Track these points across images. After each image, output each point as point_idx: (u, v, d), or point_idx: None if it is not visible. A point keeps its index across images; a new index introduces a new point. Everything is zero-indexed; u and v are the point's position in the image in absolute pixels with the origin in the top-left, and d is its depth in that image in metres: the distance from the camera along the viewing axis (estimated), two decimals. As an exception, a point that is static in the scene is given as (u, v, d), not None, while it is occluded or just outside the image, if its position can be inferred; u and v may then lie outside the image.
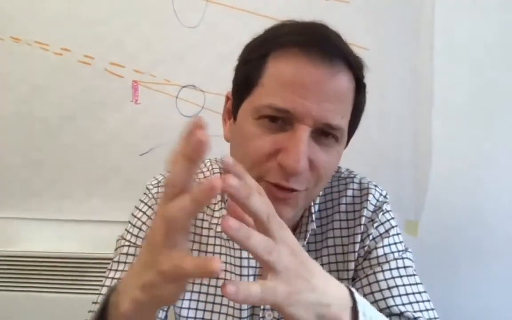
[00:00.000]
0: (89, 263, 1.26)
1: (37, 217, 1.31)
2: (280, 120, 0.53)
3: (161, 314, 0.63)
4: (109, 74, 1.26)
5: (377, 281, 0.61)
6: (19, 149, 1.29)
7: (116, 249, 0.65)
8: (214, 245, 0.65)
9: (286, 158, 0.51)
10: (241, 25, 1.20)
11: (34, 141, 1.28)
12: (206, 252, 0.65)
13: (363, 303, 0.44)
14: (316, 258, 0.65)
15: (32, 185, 1.30)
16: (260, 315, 0.63)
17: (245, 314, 0.63)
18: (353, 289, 0.45)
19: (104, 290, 0.61)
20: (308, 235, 0.64)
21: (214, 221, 0.66)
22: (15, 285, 1.28)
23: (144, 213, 0.65)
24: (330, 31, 0.56)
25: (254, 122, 0.54)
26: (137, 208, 0.67)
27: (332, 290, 0.42)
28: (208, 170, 0.71)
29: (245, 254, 0.63)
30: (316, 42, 0.52)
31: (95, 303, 0.60)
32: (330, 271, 0.65)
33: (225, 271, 0.64)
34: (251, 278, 0.63)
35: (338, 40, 0.55)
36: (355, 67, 0.55)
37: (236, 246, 0.63)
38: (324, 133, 0.54)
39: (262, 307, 0.63)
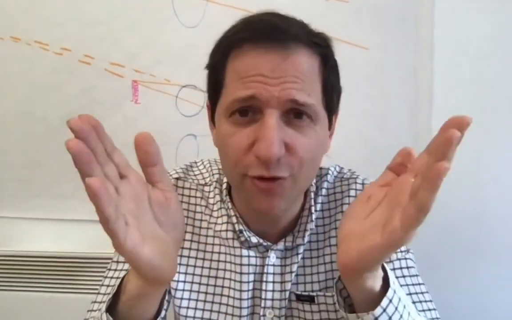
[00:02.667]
0: (89, 263, 1.26)
1: (37, 217, 1.31)
2: (250, 112, 0.53)
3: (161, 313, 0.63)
4: (109, 74, 1.26)
5: None
6: (19, 149, 1.29)
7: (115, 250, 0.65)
8: (213, 244, 0.65)
9: (259, 147, 0.51)
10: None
11: (34, 141, 1.28)
12: (204, 251, 0.65)
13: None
14: (318, 257, 0.65)
15: (32, 185, 1.30)
16: (261, 313, 0.63)
17: (245, 312, 0.63)
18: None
19: (103, 290, 0.61)
20: (306, 235, 0.64)
21: (213, 220, 0.66)
22: (15, 285, 1.28)
23: None
24: (280, 17, 0.57)
25: (227, 121, 0.55)
26: None
27: None
28: (207, 171, 0.71)
29: (245, 252, 0.63)
30: (265, 32, 0.53)
31: (94, 302, 0.60)
32: (332, 271, 0.65)
33: (225, 270, 0.64)
34: (251, 276, 0.63)
35: (289, 24, 0.55)
36: (316, 44, 0.55)
37: (236, 245, 0.64)
38: (296, 115, 0.53)
39: (262, 305, 0.63)
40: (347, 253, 0.45)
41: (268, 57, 0.52)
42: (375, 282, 0.47)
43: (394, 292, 0.48)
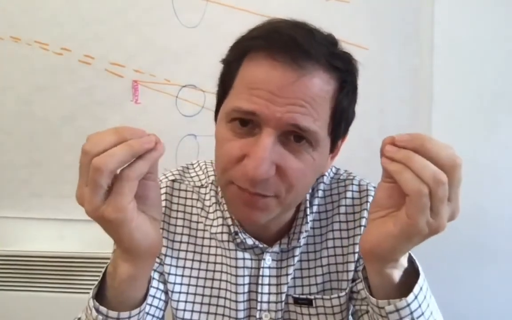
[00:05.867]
0: (89, 263, 1.26)
1: (37, 217, 1.31)
2: (249, 124, 0.52)
3: (158, 313, 0.64)
4: (109, 74, 1.26)
5: None
6: (19, 149, 1.29)
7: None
8: (209, 246, 0.65)
9: (247, 164, 0.50)
10: (241, 25, 1.20)
11: (34, 141, 1.28)
12: (201, 253, 0.66)
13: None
14: (315, 260, 0.65)
15: (32, 185, 1.30)
16: (257, 316, 0.63)
17: (241, 314, 0.63)
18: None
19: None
20: (302, 237, 0.64)
21: (209, 222, 0.66)
22: (15, 285, 1.28)
23: None
24: (305, 32, 0.53)
25: (226, 126, 0.54)
26: None
27: None
28: (203, 172, 0.70)
29: (240, 255, 0.63)
30: (282, 46, 0.50)
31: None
32: (329, 273, 0.65)
33: (221, 272, 0.65)
34: (247, 279, 0.63)
35: (312, 42, 0.51)
36: (335, 68, 0.53)
37: (231, 247, 0.64)
38: (296, 138, 0.51)
39: (258, 308, 0.63)
40: (368, 236, 0.47)
41: (280, 73, 0.50)
42: (394, 272, 0.47)
43: (424, 280, 0.49)
